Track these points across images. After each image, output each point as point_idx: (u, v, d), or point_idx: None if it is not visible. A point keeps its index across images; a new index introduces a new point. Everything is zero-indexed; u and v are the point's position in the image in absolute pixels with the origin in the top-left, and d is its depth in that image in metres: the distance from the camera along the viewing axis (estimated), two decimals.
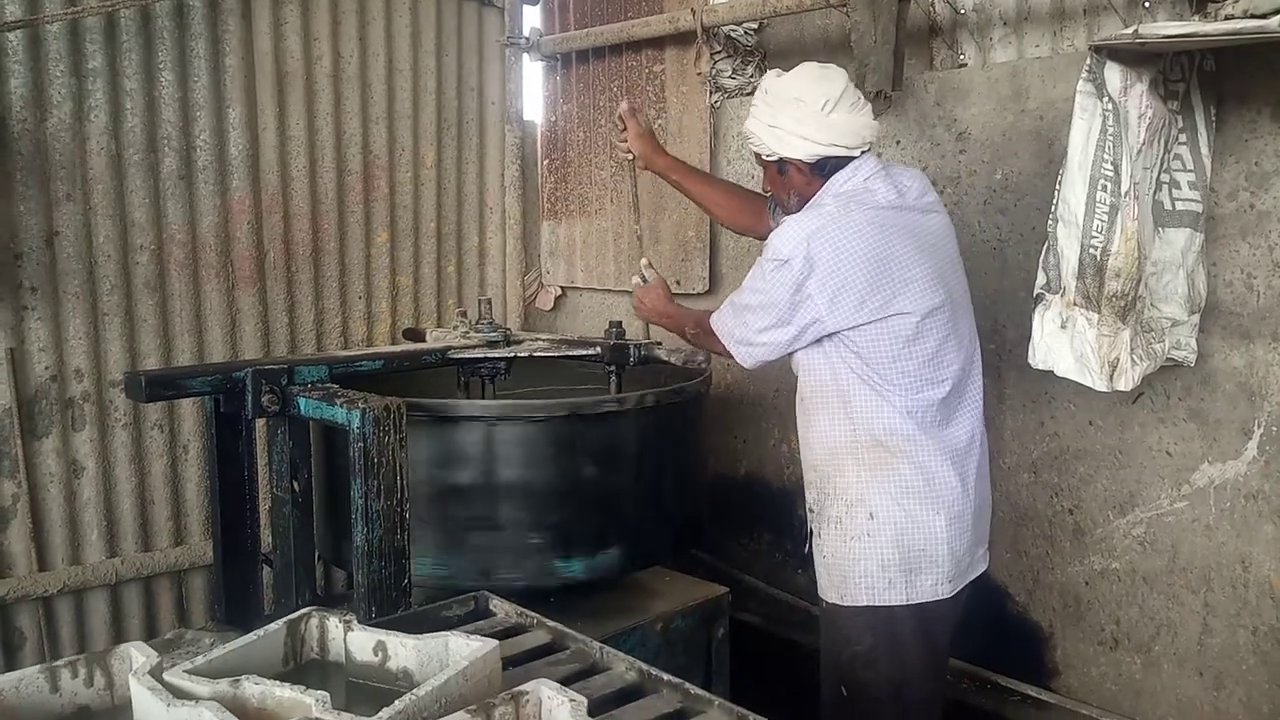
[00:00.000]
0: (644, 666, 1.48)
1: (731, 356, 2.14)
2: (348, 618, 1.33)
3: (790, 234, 1.96)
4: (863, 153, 2.04)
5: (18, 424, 2.76)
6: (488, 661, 1.21)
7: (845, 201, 1.99)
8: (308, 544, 2.24)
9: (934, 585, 2.01)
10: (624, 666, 1.50)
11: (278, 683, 1.14)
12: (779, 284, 1.97)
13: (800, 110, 1.99)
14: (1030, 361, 2.16)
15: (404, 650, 1.28)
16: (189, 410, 3.07)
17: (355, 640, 1.31)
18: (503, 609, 1.72)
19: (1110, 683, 2.51)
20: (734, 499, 3.36)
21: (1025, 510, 2.63)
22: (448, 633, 1.27)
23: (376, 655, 1.30)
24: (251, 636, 1.27)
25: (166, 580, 3.09)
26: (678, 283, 3.44)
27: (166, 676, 1.13)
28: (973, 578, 2.12)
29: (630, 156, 2.51)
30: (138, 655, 1.21)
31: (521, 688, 1.11)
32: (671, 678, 1.44)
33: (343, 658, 1.32)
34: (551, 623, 1.64)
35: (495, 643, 1.24)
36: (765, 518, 3.32)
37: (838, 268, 1.92)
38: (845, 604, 2.05)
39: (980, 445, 2.11)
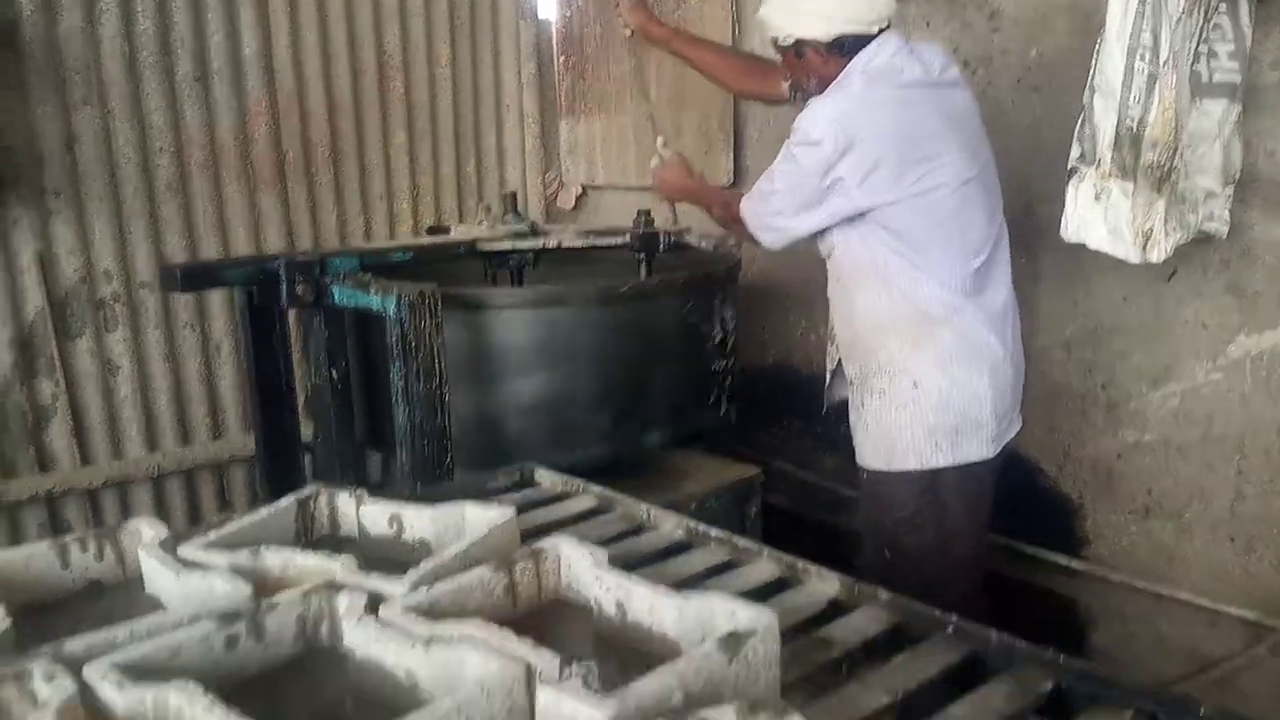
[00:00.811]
0: (691, 524, 1.50)
1: (757, 242, 2.15)
2: (359, 492, 1.29)
3: (819, 115, 1.94)
4: (881, 31, 1.99)
5: (51, 325, 2.78)
6: (506, 528, 1.18)
7: (871, 79, 1.96)
8: (348, 429, 2.27)
9: (979, 446, 2.06)
10: (672, 525, 1.53)
11: (299, 550, 1.11)
12: (809, 167, 1.96)
13: None
14: (1062, 235, 2.15)
15: (420, 521, 1.24)
16: (219, 310, 3.08)
17: (369, 513, 1.27)
18: (548, 478, 1.74)
19: (1141, 550, 2.54)
20: (762, 388, 3.38)
21: (1058, 387, 2.63)
22: (464, 502, 1.23)
23: (391, 527, 1.26)
24: (261, 513, 1.23)
25: (207, 473, 3.16)
26: (701, 175, 3.40)
27: (181, 550, 1.10)
28: (1011, 436, 2.16)
29: (628, 31, 2.45)
30: (147, 530, 1.18)
31: (540, 543, 1.10)
32: (720, 532, 1.46)
33: (355, 533, 1.28)
34: (597, 488, 1.67)
35: (512, 509, 1.21)
36: (793, 405, 3.34)
37: (870, 147, 1.90)
38: (892, 469, 2.09)
39: (1014, 309, 2.14)
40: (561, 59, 3.86)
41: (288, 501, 1.26)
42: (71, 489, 2.86)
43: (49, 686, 0.81)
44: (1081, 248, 2.14)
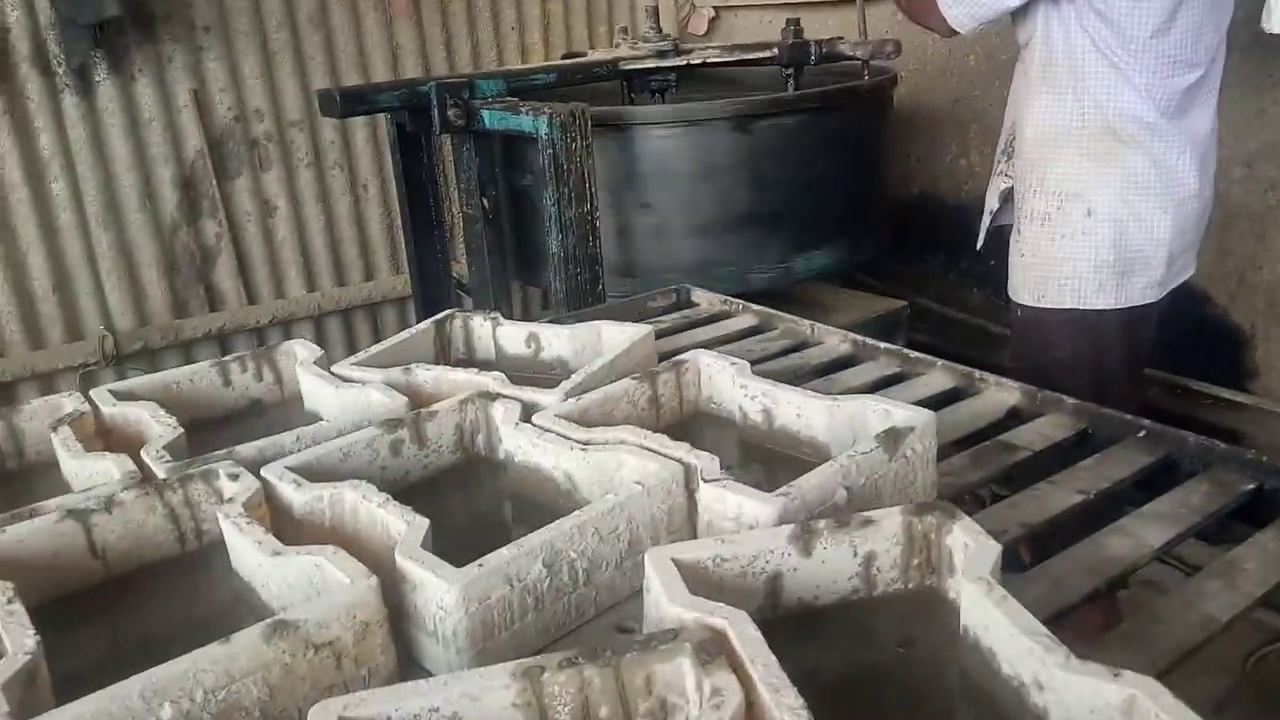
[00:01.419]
0: (858, 337, 1.49)
1: (944, 25, 1.87)
2: (493, 314, 1.29)
3: None
4: None
5: (210, 165, 2.88)
6: (644, 344, 1.18)
7: None
8: (501, 261, 2.31)
9: (1144, 288, 1.86)
10: (838, 340, 1.51)
11: (449, 366, 1.13)
12: None
13: None
14: (1264, 25, 1.93)
15: (557, 340, 1.24)
16: (364, 149, 3.13)
17: (505, 334, 1.27)
18: (706, 298, 1.74)
19: None
20: (906, 219, 3.27)
21: (1235, 208, 2.45)
22: (600, 321, 1.23)
23: (529, 347, 1.26)
24: (403, 335, 1.25)
25: (362, 313, 3.28)
26: None
27: (334, 369, 1.13)
28: (1181, 280, 1.96)
29: None
30: (302, 350, 1.21)
31: (680, 356, 1.10)
32: (889, 345, 1.45)
33: (492, 354, 1.28)
34: (756, 306, 1.66)
35: (649, 327, 1.20)
36: (938, 237, 3.22)
37: None
38: (1045, 305, 1.93)
39: (1216, 136, 1.88)
40: None
41: (426, 325, 1.28)
42: (240, 327, 3.02)
43: (234, 484, 0.85)
44: (1273, 50, 1.94)
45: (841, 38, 2.45)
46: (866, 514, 0.75)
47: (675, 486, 0.84)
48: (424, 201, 2.41)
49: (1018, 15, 1.85)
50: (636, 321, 1.66)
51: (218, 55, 2.82)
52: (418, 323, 2.34)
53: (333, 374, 1.12)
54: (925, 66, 3.08)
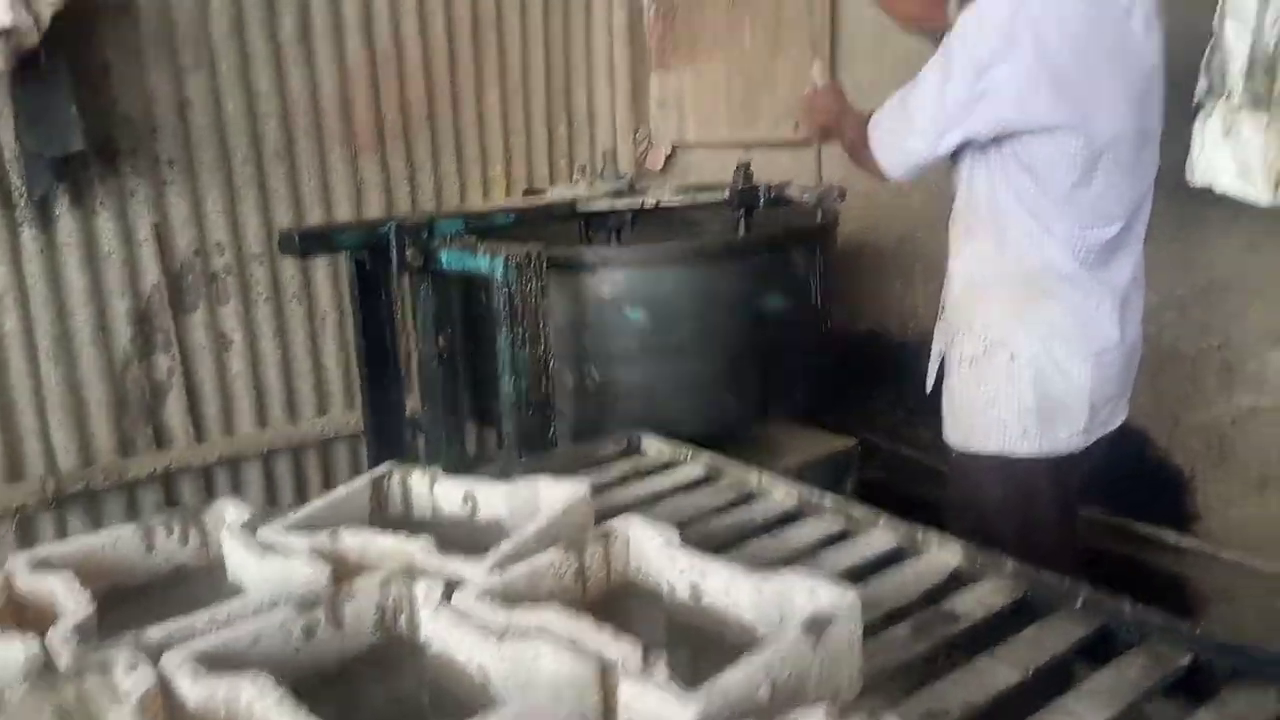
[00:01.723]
0: (805, 490, 1.50)
1: (881, 170, 1.95)
2: (432, 470, 1.29)
3: (991, 7, 1.72)
4: None
5: (167, 299, 2.87)
6: (581, 505, 1.18)
7: None
8: (455, 400, 2.32)
9: (1069, 437, 1.88)
10: (783, 492, 1.53)
11: (378, 530, 1.11)
12: (963, 64, 1.74)
13: None
14: (1187, 179, 2.03)
15: (494, 499, 1.23)
16: (323, 283, 3.15)
17: (442, 492, 1.27)
18: (655, 446, 1.76)
19: (1255, 525, 2.44)
20: (854, 354, 3.33)
21: (1168, 350, 2.52)
22: (538, 477, 1.23)
23: (466, 506, 1.26)
24: (339, 492, 1.24)
25: (313, 450, 3.23)
26: (796, 127, 3.34)
27: (262, 533, 1.11)
28: (1112, 429, 1.98)
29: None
30: (231, 512, 1.18)
31: (609, 524, 1.10)
32: (835, 497, 1.46)
33: (429, 513, 1.28)
34: (706, 454, 1.68)
35: (586, 484, 1.20)
36: (887, 373, 3.28)
37: (1037, 52, 1.68)
38: (970, 449, 1.96)
39: (1139, 291, 1.94)
40: (652, 9, 3.81)
41: (362, 482, 1.27)
42: (187, 466, 2.95)
43: (130, 678, 0.82)
44: (1199, 195, 2.02)
45: (790, 182, 2.54)
46: (792, 715, 0.75)
47: (590, 688, 0.82)
48: (380, 338, 2.42)
49: (950, 163, 1.93)
50: (588, 467, 1.69)
51: (181, 189, 2.85)
52: (369, 463, 2.33)
53: (258, 540, 1.10)
54: (872, 205, 3.19)
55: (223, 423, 3.04)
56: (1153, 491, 2.61)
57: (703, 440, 2.35)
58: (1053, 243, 1.82)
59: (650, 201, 2.53)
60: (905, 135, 1.88)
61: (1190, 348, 2.50)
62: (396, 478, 1.31)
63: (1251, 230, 2.33)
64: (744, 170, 2.51)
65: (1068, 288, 1.84)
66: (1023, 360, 1.87)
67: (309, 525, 1.14)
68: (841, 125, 2.11)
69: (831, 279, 2.69)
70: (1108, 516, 2.64)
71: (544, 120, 3.60)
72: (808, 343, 2.53)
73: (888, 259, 3.19)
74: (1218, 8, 1.92)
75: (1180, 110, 2.04)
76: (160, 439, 2.93)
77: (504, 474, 1.58)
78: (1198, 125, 1.98)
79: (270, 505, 3.16)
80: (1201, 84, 1.98)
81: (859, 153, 2.01)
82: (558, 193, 2.69)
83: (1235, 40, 1.91)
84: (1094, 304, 1.85)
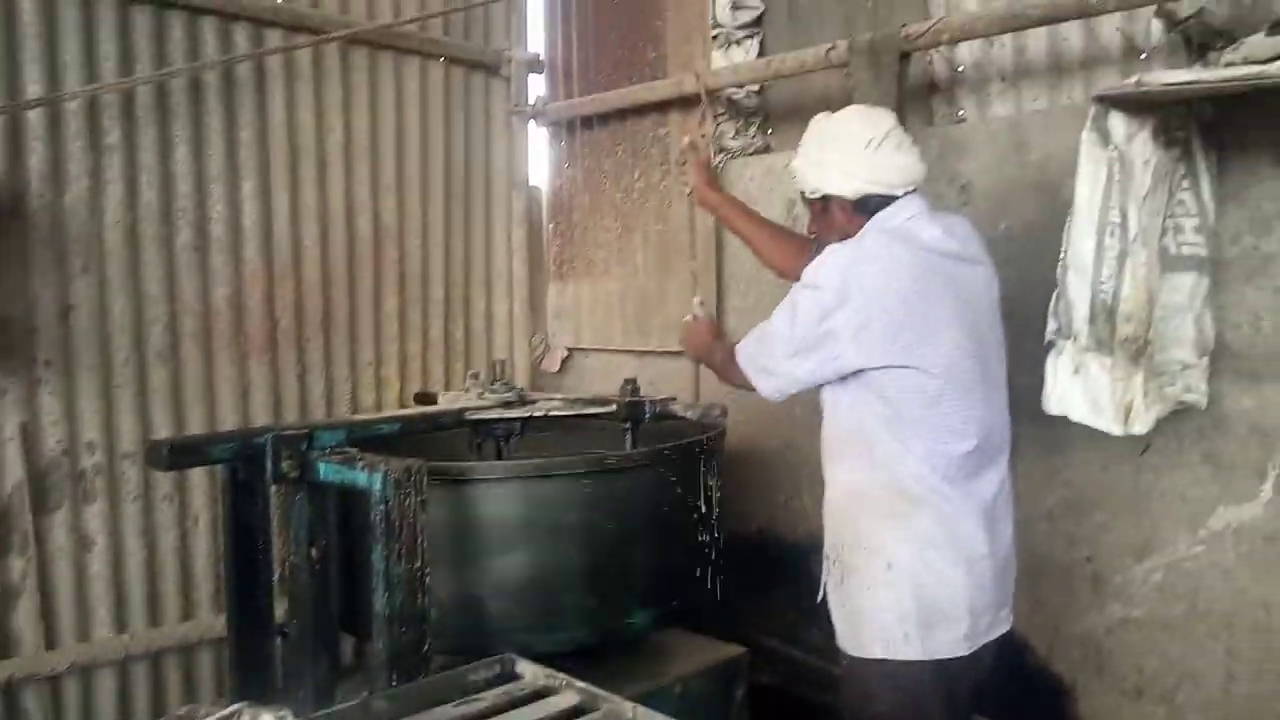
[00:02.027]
0: None
1: (753, 387, 2.12)
2: (281, 713, 1.26)
3: (826, 263, 1.95)
4: (907, 193, 2.02)
5: (28, 499, 2.73)
6: None
7: (888, 238, 1.96)
8: (326, 612, 2.21)
9: (951, 642, 1.95)
10: None
11: None
12: (806, 312, 1.95)
13: (845, 146, 2.00)
14: (1045, 407, 2.17)
15: None
16: (199, 481, 3.05)
17: None
18: (530, 671, 1.70)
19: None
20: (746, 556, 3.34)
21: (1042, 560, 2.60)
22: None
23: None
24: None
25: (175, 657, 3.05)
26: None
27: None
28: (994, 637, 2.04)
29: (688, 190, 2.51)
30: None
31: None
32: None
33: None
34: (581, 684, 1.63)
35: None
36: (779, 575, 3.29)
37: (868, 302, 1.89)
38: (860, 656, 2.00)
39: (1005, 503, 2.05)
40: (551, 225, 3.99)
41: None
42: (33, 675, 2.75)
43: None
44: (1058, 417, 2.15)
45: (674, 398, 2.62)
46: None
47: None
48: (250, 546, 2.32)
49: (816, 389, 2.07)
50: (457, 696, 1.62)
51: (55, 389, 2.77)
52: (230, 675, 2.17)
53: None
54: (757, 414, 3.28)
55: (78, 628, 2.85)
56: (1037, 699, 2.63)
57: (592, 649, 2.32)
58: (914, 459, 1.94)
59: (539, 412, 2.55)
60: (766, 362, 2.06)
61: (1063, 558, 2.58)
62: (247, 718, 1.25)
63: (1106, 454, 2.47)
64: (631, 386, 2.58)
65: (936, 499, 1.95)
66: (900, 568, 1.95)
67: None
68: (712, 356, 2.31)
69: (717, 488, 2.72)
70: None
71: (441, 325, 3.66)
72: (695, 550, 2.52)
73: (775, 464, 3.26)
74: (1060, 259, 2.11)
75: (1031, 345, 2.19)
76: (7, 646, 2.73)
77: (364, 710, 1.51)
78: (1050, 362, 2.14)
79: (124, 719, 2.95)
80: (1051, 325, 2.14)
81: (729, 374, 2.21)
82: (447, 400, 2.70)
83: (1077, 290, 2.08)
84: (961, 515, 1.96)
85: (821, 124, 2.08)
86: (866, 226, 2.01)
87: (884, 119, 2.04)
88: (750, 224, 2.51)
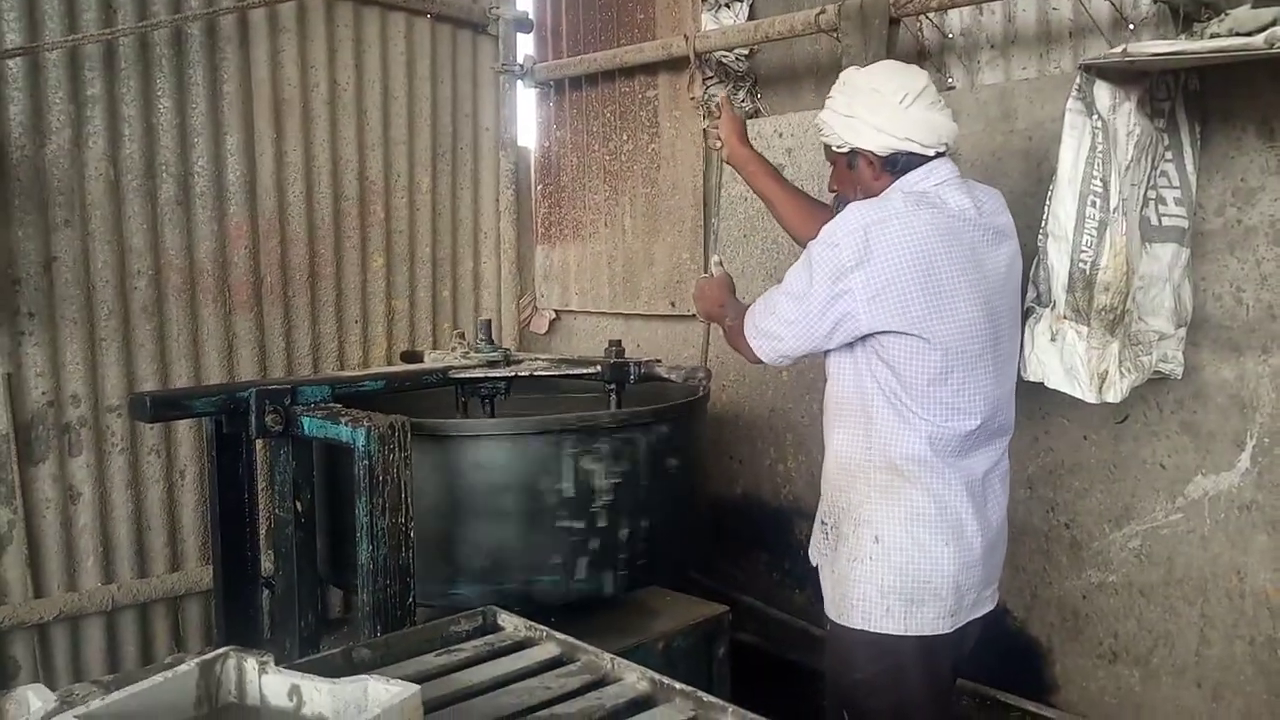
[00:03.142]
0: (656, 676, 1.49)
1: (753, 355, 2.06)
2: (265, 658, 1.26)
3: (848, 220, 1.87)
4: (938, 154, 1.95)
5: (14, 450, 2.74)
6: (405, 708, 1.15)
7: (915, 200, 1.88)
8: (311, 565, 2.23)
9: (935, 619, 1.94)
10: (635, 677, 1.51)
11: None
12: (822, 270, 1.87)
13: (876, 100, 1.92)
14: (1022, 373, 2.18)
15: (319, 696, 1.21)
16: (186, 434, 3.06)
17: (269, 684, 1.25)
18: (511, 623, 1.73)
19: (1109, 696, 2.53)
20: (730, 520, 3.38)
21: (1022, 525, 2.65)
22: (367, 677, 1.20)
23: (291, 700, 1.23)
24: (158, 678, 1.20)
25: (162, 607, 3.07)
26: (672, 304, 3.47)
27: None
28: (979, 615, 2.04)
29: (719, 145, 2.38)
30: (34, 699, 1.15)
31: None
32: (684, 686, 1.44)
33: (259, 702, 1.25)
34: (561, 635, 1.65)
35: (415, 688, 1.18)
36: (762, 538, 3.33)
37: (888, 264, 1.82)
38: (843, 624, 2.01)
39: (1001, 479, 2.04)
40: (539, 186, 3.97)
41: (189, 667, 1.23)
42: (22, 623, 2.76)
43: None
44: (1040, 385, 2.18)
45: (659, 360, 2.63)
46: None
47: None
48: (237, 499, 2.34)
49: (822, 355, 2.03)
50: (440, 646, 1.64)
51: (39, 341, 2.77)
52: (218, 623, 2.20)
53: None
54: (745, 377, 3.31)
55: (65, 578, 2.86)
56: (1014, 662, 2.68)
57: (575, 606, 2.34)
58: (913, 433, 1.91)
59: (524, 371, 2.56)
60: (772, 326, 1.99)
61: (1042, 524, 2.62)
62: (231, 662, 1.26)
63: (1086, 422, 2.50)
64: (615, 348, 2.59)
65: (928, 475, 1.92)
66: (887, 543, 1.94)
67: (120, 711, 1.08)
68: (723, 315, 2.24)
69: (703, 449, 2.74)
70: (975, 685, 2.68)
71: (429, 284, 3.65)
72: (680, 511, 2.55)
73: (761, 428, 3.29)
74: (1041, 227, 2.12)
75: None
76: None
77: (347, 658, 1.54)
78: (1028, 329, 2.16)
79: (112, 667, 2.96)
80: (1030, 292, 2.17)
81: (736, 339, 2.13)
82: (434, 358, 2.70)
83: (1056, 259, 2.10)
84: (951, 493, 1.93)
85: (853, 76, 2.01)
86: (893, 186, 1.95)
87: (918, 75, 1.96)
88: (776, 185, 2.37)
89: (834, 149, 2.02)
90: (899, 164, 1.95)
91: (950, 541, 1.93)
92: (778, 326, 1.98)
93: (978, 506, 1.96)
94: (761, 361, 2.08)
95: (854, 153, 1.98)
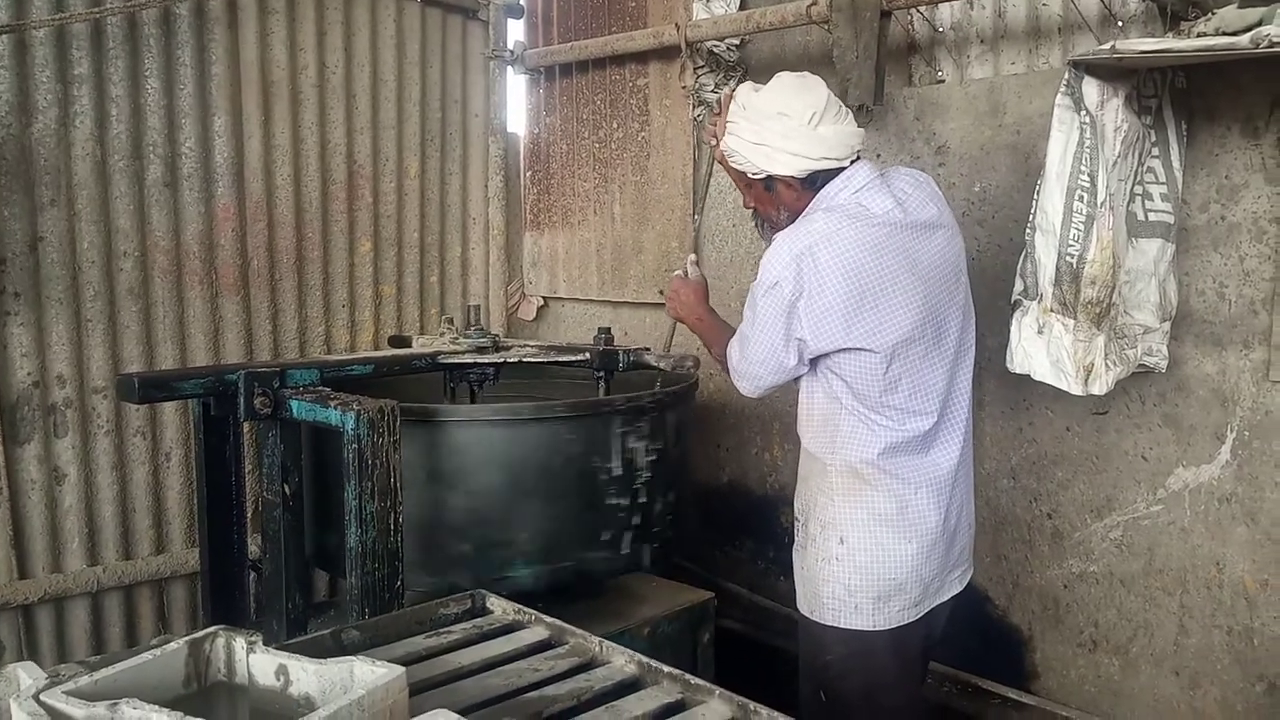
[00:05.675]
0: (644, 659, 1.50)
1: (742, 393, 2.14)
2: (253, 638, 1.26)
3: (779, 255, 1.90)
4: (852, 161, 1.97)
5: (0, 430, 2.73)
6: (390, 689, 1.15)
7: (838, 217, 1.90)
8: (299, 548, 2.24)
9: (900, 610, 2.00)
10: (623, 660, 1.52)
11: (156, 708, 1.06)
12: (771, 310, 1.92)
13: (785, 125, 1.92)
14: (1008, 366, 2.21)
15: (305, 676, 1.21)
16: (172, 417, 3.05)
17: (257, 663, 1.25)
18: (500, 606, 1.74)
19: (1089, 684, 2.56)
20: (716, 507, 3.40)
21: (1004, 515, 2.68)
22: (353, 658, 1.21)
23: (278, 680, 1.23)
24: (147, 655, 1.20)
25: (148, 589, 3.06)
26: (660, 292, 3.48)
27: (44, 697, 1.06)
28: (946, 598, 2.09)
29: (714, 142, 2.44)
30: (25, 677, 1.13)
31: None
32: (672, 669, 1.46)
33: (247, 681, 1.25)
34: (549, 619, 1.66)
35: (400, 670, 1.18)
36: (747, 525, 3.35)
37: (824, 290, 1.86)
38: (814, 619, 2.05)
39: (964, 470, 2.08)
40: (528, 173, 3.97)
41: (178, 645, 1.23)
42: (6, 604, 2.76)
43: None
44: (1025, 376, 2.20)
45: (648, 349, 2.64)
46: None
47: None
48: (224, 481, 2.34)
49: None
50: (429, 629, 1.65)
51: (24, 321, 2.75)
52: (205, 606, 2.20)
53: (45, 704, 1.04)
54: None
55: (49, 559, 2.85)
56: (995, 649, 2.71)
57: (561, 592, 2.36)
58: (875, 440, 1.96)
59: (513, 358, 2.57)
60: (746, 366, 2.06)
61: (1024, 514, 2.65)
62: (221, 640, 1.26)
63: (1069, 414, 2.53)
64: (604, 335, 2.59)
65: (888, 478, 1.97)
66: (852, 544, 2.00)
67: (109, 688, 1.08)
68: (705, 329, 2.31)
69: (690, 437, 2.76)
70: (956, 672, 2.71)
71: (417, 269, 3.64)
72: (666, 498, 2.56)
73: (748, 417, 3.31)
74: (1029, 221, 2.14)
75: (1003, 304, 2.25)
76: None
77: (336, 639, 1.54)
78: (1015, 321, 2.19)
79: (97, 649, 2.96)
80: (1018, 285, 2.18)
81: (720, 362, 2.21)
82: (422, 343, 2.70)
83: (1043, 252, 2.12)
84: (913, 492, 1.98)
85: (754, 100, 1.97)
86: (814, 202, 1.98)
87: (819, 88, 1.95)
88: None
89: (750, 176, 2.02)
90: (818, 181, 1.97)
91: (913, 539, 1.98)
92: (752, 366, 2.04)
93: (941, 501, 2.00)
94: (743, 394, 2.15)
95: (771, 178, 1.99)
